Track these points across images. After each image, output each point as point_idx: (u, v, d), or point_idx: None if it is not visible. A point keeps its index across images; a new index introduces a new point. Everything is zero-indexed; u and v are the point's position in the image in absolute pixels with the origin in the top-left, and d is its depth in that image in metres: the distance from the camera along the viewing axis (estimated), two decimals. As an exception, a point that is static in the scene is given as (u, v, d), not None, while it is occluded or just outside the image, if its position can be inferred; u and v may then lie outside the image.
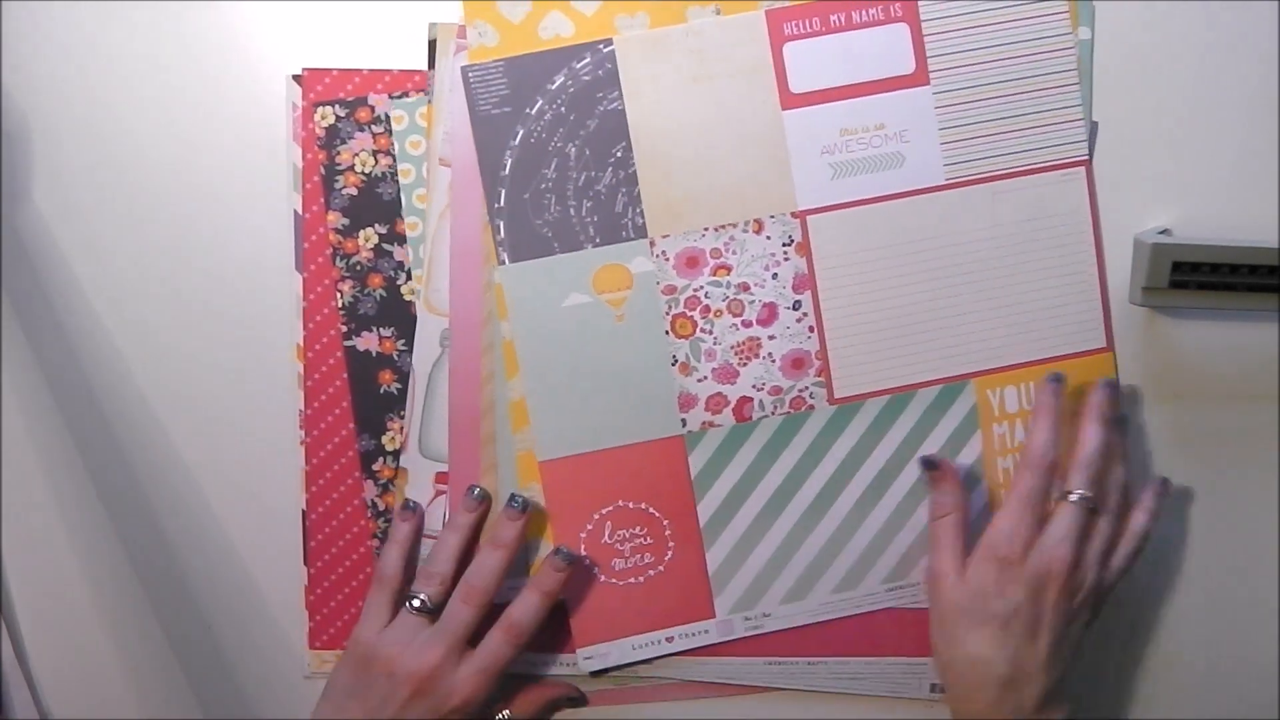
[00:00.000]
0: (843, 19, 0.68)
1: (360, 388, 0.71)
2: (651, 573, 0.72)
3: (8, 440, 0.72)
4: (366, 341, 0.71)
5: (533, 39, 0.67)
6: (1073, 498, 0.66)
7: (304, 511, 0.72)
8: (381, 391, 0.71)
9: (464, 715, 0.66)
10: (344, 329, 0.71)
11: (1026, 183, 0.70)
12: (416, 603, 0.67)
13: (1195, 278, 0.67)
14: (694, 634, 0.72)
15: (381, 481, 0.72)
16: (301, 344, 0.71)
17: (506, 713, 0.70)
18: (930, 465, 0.69)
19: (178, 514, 0.72)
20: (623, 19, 0.68)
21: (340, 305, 0.70)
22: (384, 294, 0.70)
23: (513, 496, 0.68)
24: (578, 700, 0.72)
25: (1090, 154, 0.69)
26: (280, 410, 0.72)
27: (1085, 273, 0.70)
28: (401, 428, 0.71)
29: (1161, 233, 0.69)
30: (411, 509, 0.70)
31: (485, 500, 0.69)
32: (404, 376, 0.71)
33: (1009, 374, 0.71)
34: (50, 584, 0.73)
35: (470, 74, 0.68)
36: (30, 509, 0.73)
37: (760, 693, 0.73)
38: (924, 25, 0.68)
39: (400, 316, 0.71)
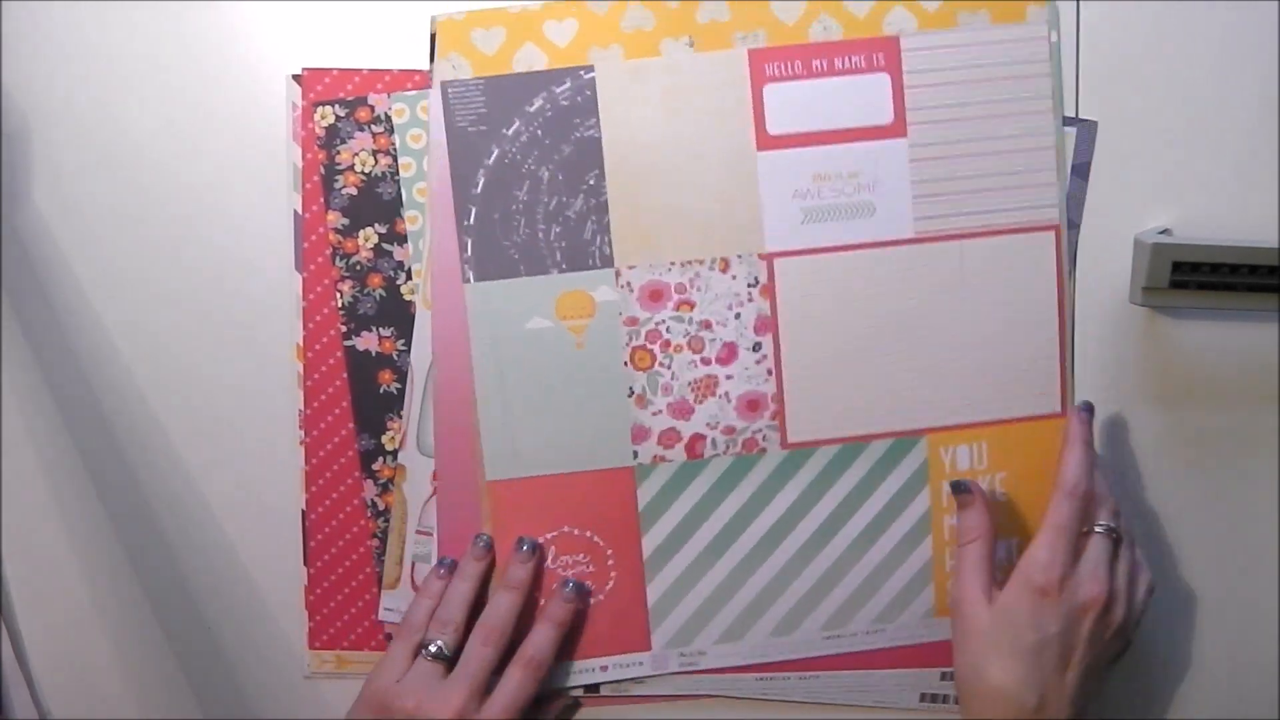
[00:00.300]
0: (825, 65, 0.69)
1: (360, 387, 0.71)
2: (591, 600, 0.72)
3: (8, 440, 0.73)
4: (366, 341, 0.71)
5: (506, 71, 0.68)
6: (1099, 529, 0.65)
7: (304, 511, 0.72)
8: (381, 391, 0.71)
9: None
10: (344, 329, 0.71)
11: (995, 242, 0.69)
12: (433, 649, 0.67)
13: (1195, 278, 0.66)
14: (629, 664, 0.72)
15: (381, 481, 0.72)
16: (301, 344, 0.71)
17: None
18: (961, 489, 0.68)
19: (177, 514, 0.73)
20: (596, 51, 0.68)
21: (340, 305, 0.71)
22: (384, 294, 0.71)
23: (520, 541, 0.69)
24: (573, 706, 0.73)
25: (1090, 154, 0.69)
26: (280, 410, 0.72)
27: (1047, 336, 0.70)
28: (401, 427, 0.71)
29: (1162, 233, 0.68)
30: (446, 567, 0.70)
31: (492, 549, 0.70)
32: (403, 376, 0.71)
33: (962, 432, 0.71)
34: (50, 584, 0.74)
35: (450, 90, 0.68)
36: (30, 508, 0.73)
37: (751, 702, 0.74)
38: (906, 78, 0.68)
39: (400, 316, 0.71)
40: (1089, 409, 0.68)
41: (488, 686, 0.67)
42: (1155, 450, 0.72)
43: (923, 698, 0.73)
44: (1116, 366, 0.71)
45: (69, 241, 0.71)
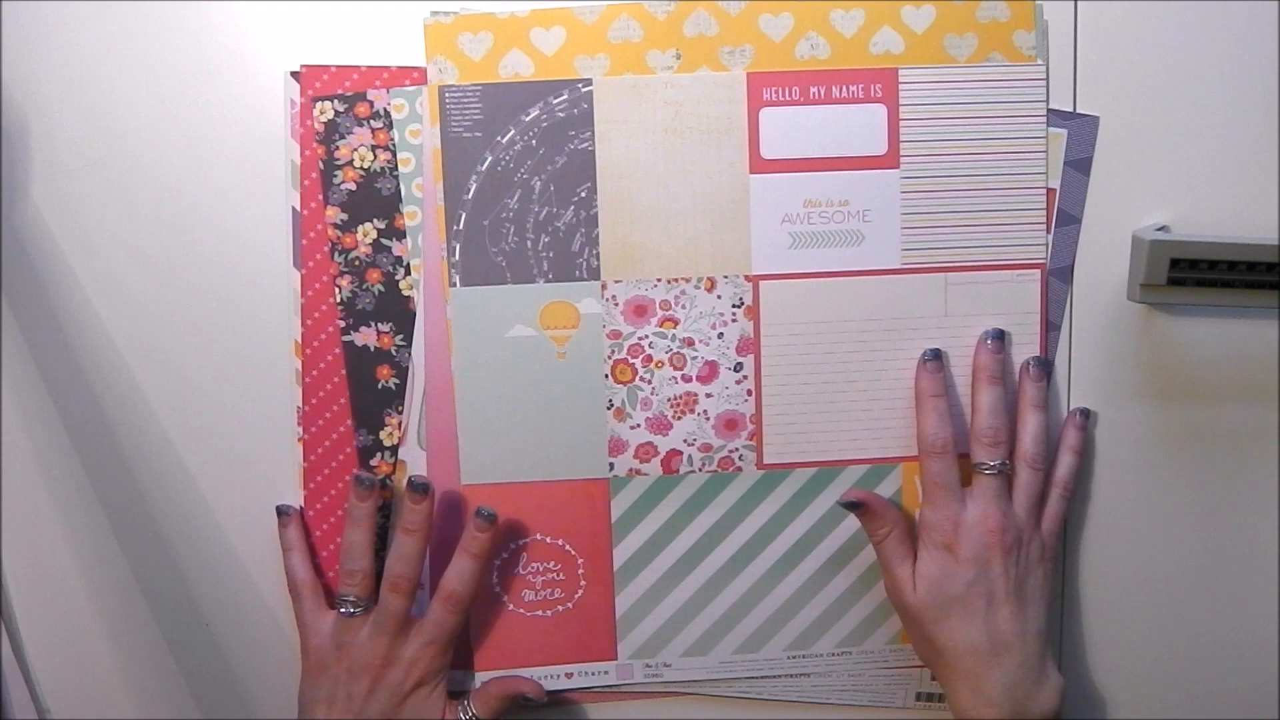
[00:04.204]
0: (823, 92, 0.69)
1: (358, 383, 0.71)
2: (560, 608, 0.72)
3: (6, 438, 0.72)
4: (364, 336, 0.71)
5: (492, 77, 0.68)
6: (983, 471, 0.67)
7: (301, 508, 0.72)
8: (379, 387, 0.71)
9: (429, 687, 0.69)
10: (342, 324, 0.71)
11: (981, 277, 0.70)
12: (348, 608, 0.68)
13: (1194, 274, 0.66)
14: (593, 673, 0.73)
15: (380, 477, 0.71)
16: (299, 340, 0.71)
17: (472, 709, 0.70)
18: (851, 506, 0.69)
19: (176, 511, 0.73)
20: (583, 60, 0.68)
21: (338, 300, 0.71)
22: (382, 289, 0.70)
23: (410, 480, 0.67)
24: (539, 698, 0.71)
25: (1091, 149, 0.69)
26: (278, 406, 0.72)
27: (1028, 373, 0.70)
28: (399, 423, 0.71)
29: (1160, 229, 0.68)
30: (288, 513, 0.70)
31: (374, 487, 0.69)
32: (402, 371, 0.71)
33: (937, 464, 0.71)
34: (49, 583, 0.74)
35: (446, 94, 0.68)
36: (28, 507, 0.73)
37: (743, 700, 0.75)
38: (901, 110, 0.68)
39: (398, 311, 0.71)
40: (933, 356, 0.69)
41: (408, 626, 0.68)
42: (1153, 447, 0.72)
43: (919, 697, 0.74)
44: (1114, 363, 0.71)
45: (67, 240, 0.70)
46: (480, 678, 0.73)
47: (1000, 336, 0.69)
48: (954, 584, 0.66)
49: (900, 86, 0.68)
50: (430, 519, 0.68)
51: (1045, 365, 0.69)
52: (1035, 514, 0.68)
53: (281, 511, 0.71)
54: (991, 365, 0.69)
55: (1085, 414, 0.70)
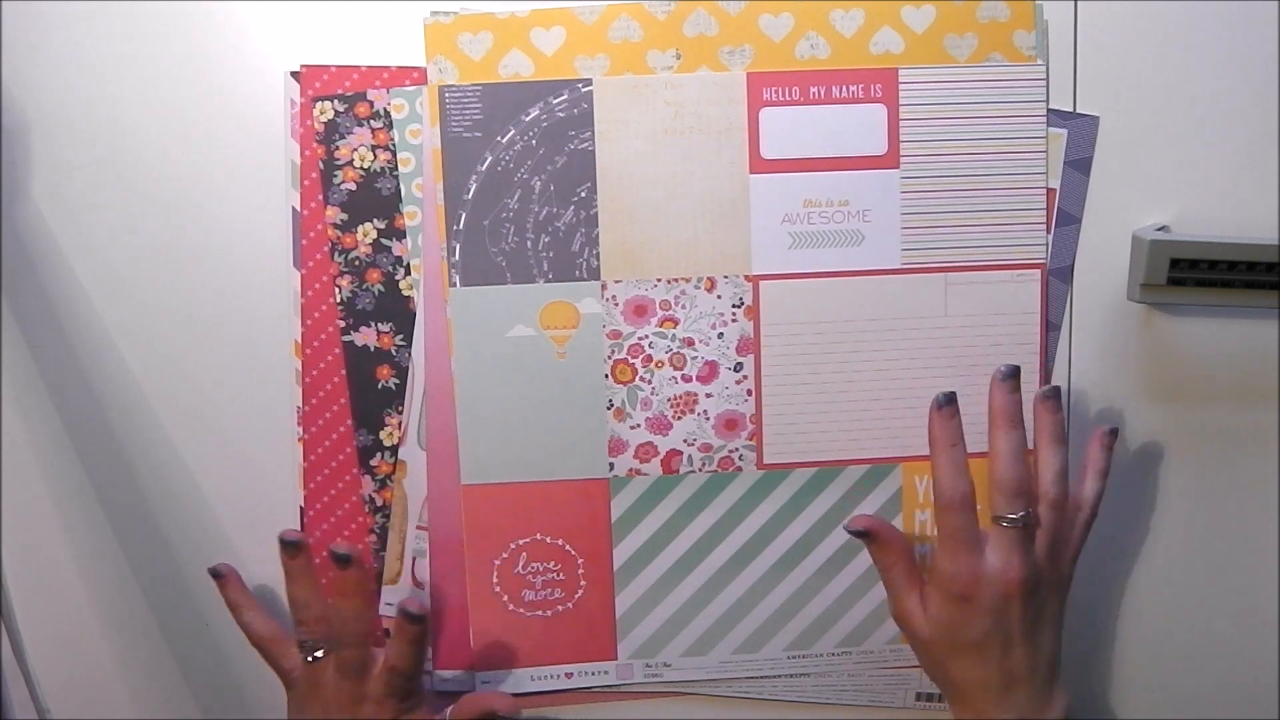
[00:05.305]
0: (823, 92, 0.69)
1: (358, 383, 0.71)
2: (560, 608, 0.72)
3: (6, 438, 0.72)
4: (364, 336, 0.71)
5: (492, 77, 0.68)
6: (1003, 523, 0.64)
7: (301, 508, 0.72)
8: (379, 387, 0.71)
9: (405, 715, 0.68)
10: (342, 324, 0.71)
11: (981, 278, 0.70)
12: (310, 657, 0.68)
13: (1194, 274, 0.66)
14: (593, 673, 0.73)
15: (379, 477, 0.72)
16: (299, 340, 0.71)
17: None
18: (859, 535, 0.68)
19: (175, 511, 0.73)
20: (583, 60, 0.68)
21: (338, 300, 0.71)
22: (382, 289, 0.70)
23: (330, 552, 0.66)
24: (512, 713, 0.71)
25: (1091, 149, 0.69)
26: (278, 406, 0.72)
27: (1028, 372, 0.70)
28: (399, 423, 0.71)
29: (1160, 229, 0.68)
30: (223, 574, 0.70)
31: (301, 546, 0.69)
32: (402, 371, 0.71)
33: (937, 464, 0.71)
34: (48, 582, 0.74)
35: (446, 94, 0.68)
36: (28, 507, 0.73)
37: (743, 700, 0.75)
38: (901, 110, 0.68)
39: (398, 311, 0.71)
40: (946, 401, 0.65)
41: (370, 664, 0.68)
42: (1152, 447, 0.72)
43: (918, 697, 0.74)
44: (1114, 363, 0.71)
45: (68, 239, 0.70)
46: (480, 678, 0.73)
47: (1015, 374, 0.65)
48: (970, 630, 0.65)
49: (900, 86, 0.68)
50: (363, 581, 0.67)
51: (1060, 394, 0.67)
52: (1055, 552, 0.66)
53: (216, 574, 0.70)
54: (1009, 407, 0.64)
55: (1113, 434, 0.69)
